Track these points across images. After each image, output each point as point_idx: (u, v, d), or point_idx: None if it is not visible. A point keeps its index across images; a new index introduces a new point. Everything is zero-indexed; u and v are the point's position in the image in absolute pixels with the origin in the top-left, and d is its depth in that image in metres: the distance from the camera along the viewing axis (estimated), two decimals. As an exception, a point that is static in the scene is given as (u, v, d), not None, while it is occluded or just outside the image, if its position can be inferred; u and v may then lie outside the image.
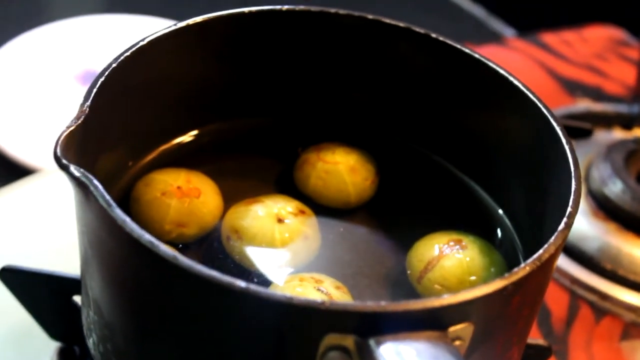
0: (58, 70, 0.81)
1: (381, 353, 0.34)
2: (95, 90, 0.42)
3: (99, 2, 0.98)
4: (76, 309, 0.48)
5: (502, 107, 0.49)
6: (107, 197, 0.37)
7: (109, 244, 0.38)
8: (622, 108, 0.79)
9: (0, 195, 0.61)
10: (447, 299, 0.36)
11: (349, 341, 0.35)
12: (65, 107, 0.75)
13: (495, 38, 0.92)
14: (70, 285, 0.47)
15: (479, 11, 1.00)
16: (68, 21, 0.88)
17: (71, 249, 0.46)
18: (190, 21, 0.47)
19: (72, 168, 0.38)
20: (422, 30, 0.49)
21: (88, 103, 0.41)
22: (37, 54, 0.83)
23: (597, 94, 0.82)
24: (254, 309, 0.35)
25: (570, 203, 0.41)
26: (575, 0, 1.08)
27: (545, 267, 0.40)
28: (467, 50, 0.49)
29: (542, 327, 0.60)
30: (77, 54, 0.83)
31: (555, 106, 0.77)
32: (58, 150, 0.38)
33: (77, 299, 0.47)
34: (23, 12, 0.90)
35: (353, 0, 0.52)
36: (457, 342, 0.37)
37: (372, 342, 0.35)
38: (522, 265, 0.38)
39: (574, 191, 0.42)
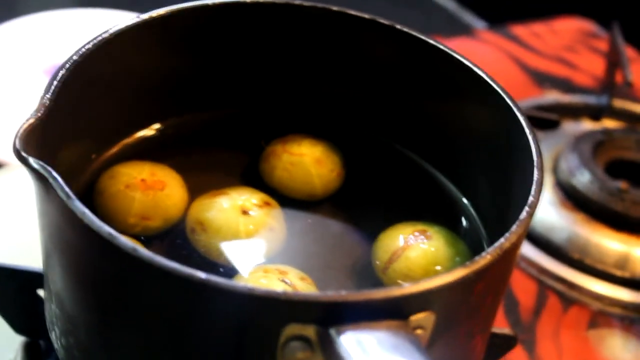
0: (26, 64, 0.81)
1: (342, 342, 0.34)
2: (56, 83, 0.42)
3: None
4: (41, 302, 0.47)
5: (467, 98, 0.49)
6: (67, 189, 0.36)
7: (69, 236, 0.38)
8: (590, 99, 0.79)
9: (-35, 190, 0.61)
10: (408, 288, 0.36)
11: (310, 331, 0.35)
12: (33, 101, 0.75)
13: (465, 30, 0.92)
14: (34, 278, 0.47)
15: (449, 4, 1.00)
16: (37, 15, 0.87)
17: (35, 244, 0.45)
18: (154, 13, 0.47)
19: (32, 160, 0.37)
20: (387, 22, 0.49)
21: (49, 96, 0.41)
22: (5, 48, 0.82)
23: (566, 86, 0.83)
24: (215, 300, 0.35)
25: (532, 192, 0.41)
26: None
27: (508, 256, 0.40)
28: (431, 42, 0.49)
29: (510, 316, 0.61)
30: (46, 48, 0.83)
31: (524, 98, 0.78)
32: (17, 143, 0.38)
33: (41, 292, 0.47)
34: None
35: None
36: (419, 331, 0.37)
37: (333, 331, 0.35)
38: (484, 254, 0.38)
39: (536, 180, 0.42)
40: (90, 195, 0.47)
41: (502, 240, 0.39)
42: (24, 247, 0.55)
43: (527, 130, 0.44)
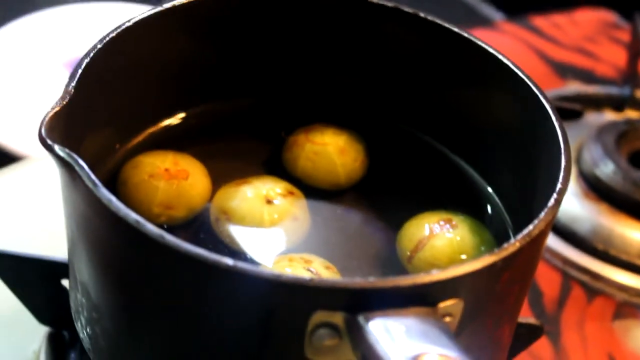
0: (46, 57, 0.81)
1: (370, 329, 0.34)
2: (80, 71, 0.42)
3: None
4: (65, 292, 0.47)
5: (491, 86, 0.48)
6: (93, 176, 0.36)
7: (95, 224, 0.38)
8: (613, 90, 0.79)
9: (-12, 181, 0.61)
10: (436, 275, 0.35)
11: (337, 318, 0.35)
12: (53, 94, 0.75)
13: (485, 23, 0.92)
14: (58, 268, 0.47)
15: (469, -4, 0.99)
16: (56, 9, 0.87)
17: (59, 234, 0.45)
18: (176, 2, 0.47)
19: (57, 148, 0.37)
20: (410, 10, 0.49)
21: (73, 84, 0.41)
22: (25, 42, 0.82)
23: (588, 77, 0.82)
24: (242, 287, 0.35)
25: (560, 179, 0.41)
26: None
27: (535, 244, 0.39)
28: (455, 29, 0.49)
29: (534, 308, 0.60)
30: (66, 41, 0.83)
31: (546, 89, 0.77)
32: (43, 131, 0.38)
33: (65, 282, 0.47)
34: (11, 1, 0.90)
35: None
36: (447, 319, 0.36)
37: (361, 318, 0.34)
38: (512, 241, 0.38)
39: (564, 168, 0.41)
40: (113, 185, 0.47)
41: (530, 227, 0.38)
42: (47, 238, 0.55)
43: (553, 117, 0.44)
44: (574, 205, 0.67)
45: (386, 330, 0.34)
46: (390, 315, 0.34)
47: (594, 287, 0.63)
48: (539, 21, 0.89)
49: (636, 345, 0.59)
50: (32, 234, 0.57)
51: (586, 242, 0.65)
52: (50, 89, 0.76)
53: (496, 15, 0.97)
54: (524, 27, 0.87)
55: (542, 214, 0.39)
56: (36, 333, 0.51)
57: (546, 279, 0.62)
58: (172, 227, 0.46)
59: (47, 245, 0.51)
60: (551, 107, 0.44)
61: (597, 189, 0.67)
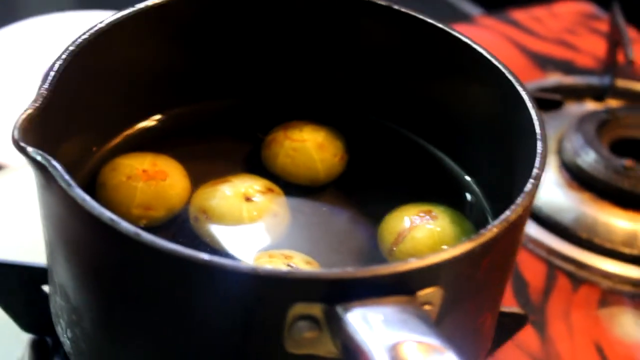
0: (27, 67, 0.80)
1: (349, 320, 0.34)
2: (53, 73, 0.42)
3: (68, 0, 0.98)
4: (46, 298, 0.47)
5: (468, 77, 0.48)
6: (67, 177, 0.36)
7: (70, 225, 0.38)
8: (593, 80, 0.79)
9: (-33, 191, 0.61)
10: (414, 263, 0.35)
11: (316, 309, 0.35)
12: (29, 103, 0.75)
13: (465, 18, 0.92)
14: (38, 274, 0.46)
15: (447, -7, 0.99)
16: (38, 18, 0.87)
17: (38, 242, 0.45)
18: (149, 2, 0.47)
19: (30, 150, 0.37)
20: (384, 3, 0.49)
21: (46, 86, 0.41)
22: (6, 51, 0.82)
23: (568, 68, 0.82)
24: (219, 282, 0.35)
25: (536, 164, 0.41)
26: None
27: (514, 229, 0.39)
28: (430, 20, 0.49)
29: (520, 298, 0.60)
30: (47, 51, 0.83)
31: (527, 81, 0.77)
32: (15, 134, 0.38)
33: (46, 288, 0.47)
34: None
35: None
36: (427, 307, 0.36)
37: (339, 309, 0.34)
38: (490, 226, 0.38)
39: (540, 153, 0.41)
40: (92, 188, 0.47)
41: (507, 212, 0.38)
42: (27, 245, 0.55)
43: (528, 104, 0.44)
44: (557, 195, 0.67)
45: (365, 320, 0.34)
46: (369, 304, 0.34)
47: (579, 276, 0.63)
48: (519, 15, 0.89)
49: (622, 332, 0.60)
50: (11, 241, 0.57)
51: (570, 232, 0.65)
52: (30, 100, 0.76)
53: (476, 11, 0.97)
54: (503, 21, 0.88)
55: (519, 199, 0.39)
56: (19, 340, 0.50)
57: (531, 269, 0.62)
58: (152, 228, 0.46)
59: (26, 252, 0.50)
60: (526, 94, 0.44)
61: (579, 178, 0.67)
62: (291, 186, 0.49)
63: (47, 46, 0.83)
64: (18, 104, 0.74)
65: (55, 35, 0.85)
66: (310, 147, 0.50)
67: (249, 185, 0.47)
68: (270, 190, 0.47)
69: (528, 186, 0.40)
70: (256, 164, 0.50)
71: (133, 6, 0.47)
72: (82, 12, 0.89)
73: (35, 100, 0.40)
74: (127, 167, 0.47)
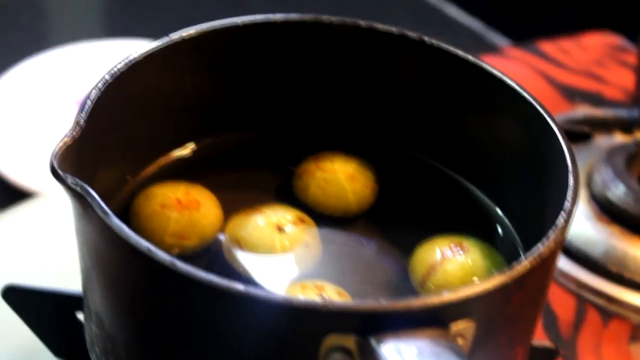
0: (59, 95, 0.82)
1: (382, 352, 0.34)
2: (89, 102, 0.42)
3: (99, 28, 0.99)
4: (80, 325, 0.48)
5: (498, 109, 0.49)
6: (104, 206, 0.37)
7: (107, 253, 0.38)
8: (621, 112, 0.79)
9: (2, 218, 0.62)
10: (447, 296, 0.36)
11: (350, 341, 0.35)
12: (66, 131, 0.76)
13: (492, 50, 0.92)
14: (72, 301, 0.47)
15: (475, 24, 1.00)
16: (69, 47, 0.88)
17: (73, 269, 0.46)
18: (184, 33, 0.48)
19: (69, 179, 0.38)
20: (415, 36, 0.50)
21: (83, 115, 0.42)
22: (38, 80, 0.83)
23: (596, 100, 0.82)
24: (254, 312, 0.35)
25: (568, 198, 0.41)
26: (571, 9, 1.08)
27: (546, 264, 0.39)
28: (461, 54, 0.49)
29: (550, 332, 0.60)
30: (78, 79, 0.84)
31: (555, 113, 0.77)
32: (54, 162, 0.39)
33: (80, 315, 0.47)
34: (24, 39, 0.91)
35: (345, 13, 0.52)
36: (460, 340, 0.36)
37: (373, 341, 0.34)
38: (522, 261, 0.38)
39: (571, 186, 0.42)
40: (126, 216, 0.47)
41: (539, 246, 0.39)
42: (60, 272, 0.55)
43: (559, 137, 0.44)
44: (586, 228, 0.67)
45: (398, 352, 0.34)
46: (402, 337, 0.35)
47: (609, 310, 0.62)
48: (547, 46, 0.89)
49: (653, 367, 0.59)
50: (45, 268, 0.57)
51: (600, 265, 0.65)
52: (62, 127, 0.77)
53: (503, 42, 0.97)
54: (531, 53, 0.88)
55: (551, 234, 0.39)
56: (52, 366, 0.51)
57: (560, 303, 0.62)
58: (185, 257, 0.46)
59: (61, 280, 0.51)
60: (557, 127, 0.45)
61: (609, 211, 0.67)
62: (322, 217, 0.49)
63: (78, 74, 0.85)
64: (49, 132, 0.76)
65: (86, 64, 0.86)
66: (341, 178, 0.50)
67: (281, 215, 0.47)
68: (302, 220, 0.48)
69: (560, 220, 0.40)
70: (288, 194, 0.51)
71: (166, 35, 0.47)
72: (112, 41, 0.90)
73: (72, 129, 0.41)
74: (160, 196, 0.47)
